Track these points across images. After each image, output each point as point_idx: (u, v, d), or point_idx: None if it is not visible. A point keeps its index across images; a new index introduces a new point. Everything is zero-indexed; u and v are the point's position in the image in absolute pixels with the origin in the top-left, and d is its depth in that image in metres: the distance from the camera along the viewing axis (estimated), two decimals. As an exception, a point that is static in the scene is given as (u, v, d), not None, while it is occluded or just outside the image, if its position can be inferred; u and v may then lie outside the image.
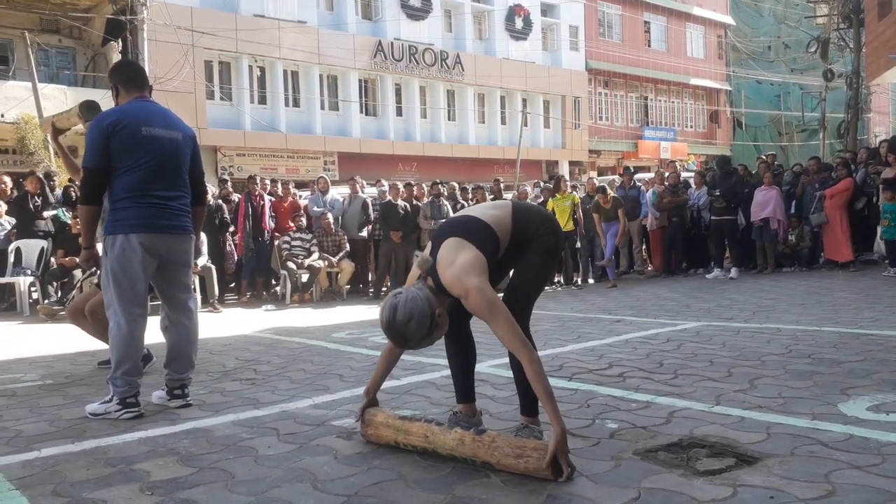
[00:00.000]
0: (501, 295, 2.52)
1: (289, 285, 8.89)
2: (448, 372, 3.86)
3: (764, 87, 33.90)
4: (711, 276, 9.79)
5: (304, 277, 9.05)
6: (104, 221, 3.45)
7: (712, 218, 10.00)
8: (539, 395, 2.32)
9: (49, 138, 4.69)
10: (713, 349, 4.46)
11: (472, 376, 2.78)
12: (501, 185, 10.65)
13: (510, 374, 3.80)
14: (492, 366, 4.11)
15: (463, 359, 2.77)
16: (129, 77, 3.54)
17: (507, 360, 4.18)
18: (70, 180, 9.64)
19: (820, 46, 21.26)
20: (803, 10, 33.31)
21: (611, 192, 9.56)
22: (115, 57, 16.33)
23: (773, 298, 7.14)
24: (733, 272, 9.64)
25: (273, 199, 9.52)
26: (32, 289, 8.32)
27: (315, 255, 9.03)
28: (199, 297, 8.41)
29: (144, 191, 3.32)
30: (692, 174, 11.89)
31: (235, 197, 9.49)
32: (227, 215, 9.04)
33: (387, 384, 3.75)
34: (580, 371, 3.90)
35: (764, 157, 11.77)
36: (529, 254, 2.59)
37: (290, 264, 8.86)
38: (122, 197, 3.31)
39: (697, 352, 4.39)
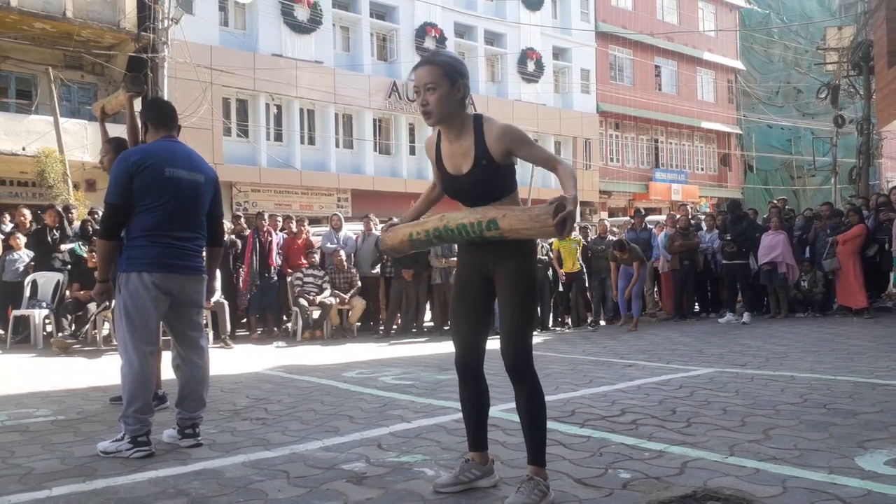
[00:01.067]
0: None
1: (300, 322, 8.91)
2: (459, 416, 3.85)
3: (775, 131, 34.06)
4: (724, 321, 9.74)
5: (316, 314, 9.07)
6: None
7: (724, 262, 9.99)
8: (565, 181, 2.44)
9: (98, 120, 4.88)
10: (726, 397, 4.42)
11: (486, 424, 2.75)
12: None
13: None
14: (504, 410, 4.08)
15: (477, 406, 2.72)
16: (159, 116, 3.63)
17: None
18: (90, 213, 9.80)
19: (830, 93, 21.40)
20: (813, 56, 33.65)
21: (628, 244, 9.40)
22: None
23: (787, 345, 7.08)
24: (745, 317, 9.58)
25: (286, 235, 9.59)
26: (47, 321, 8.38)
27: (327, 293, 9.06)
28: (210, 332, 8.47)
29: (160, 230, 3.37)
30: (704, 216, 11.92)
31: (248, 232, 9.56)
32: (240, 251, 9.11)
33: (397, 427, 3.75)
34: (592, 417, 3.88)
35: (775, 202, 11.80)
36: (510, 267, 2.57)
37: (302, 301, 8.89)
38: (138, 235, 3.37)
39: (710, 399, 4.35)
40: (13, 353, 7.63)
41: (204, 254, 3.68)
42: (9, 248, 8.71)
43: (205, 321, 8.62)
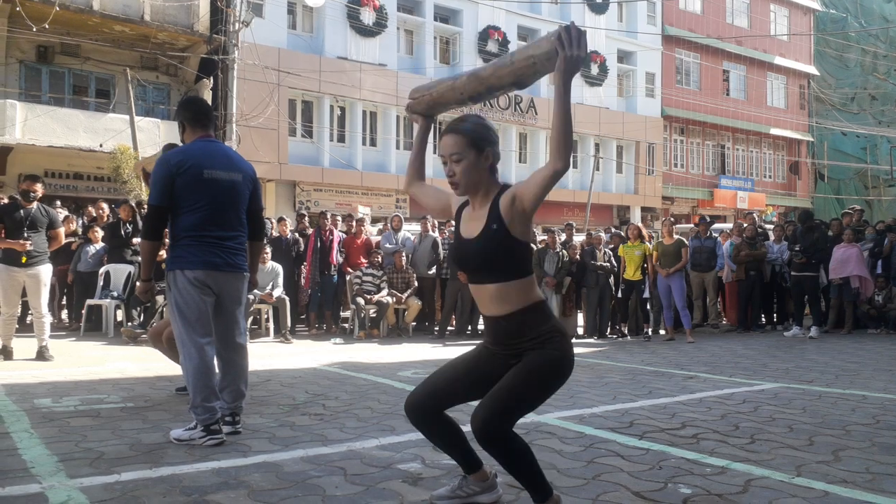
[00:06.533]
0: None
1: (357, 320, 9.03)
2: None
3: (849, 138, 32.67)
4: (790, 334, 9.40)
5: (373, 313, 9.18)
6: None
7: (792, 273, 9.65)
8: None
9: (140, 179, 5.04)
10: (793, 414, 4.26)
11: (468, 447, 2.47)
12: (573, 230, 10.57)
13: (580, 428, 3.75)
14: (559, 418, 4.05)
15: (449, 438, 2.46)
16: (196, 115, 3.69)
17: (578, 412, 4.10)
18: (137, 205, 10.20)
19: (911, 99, 20.42)
20: (892, 61, 32.13)
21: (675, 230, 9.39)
22: (207, 94, 17.24)
23: (857, 362, 6.79)
24: (813, 331, 9.23)
25: (345, 235, 9.74)
26: (118, 311, 8.74)
27: (384, 292, 9.16)
28: (272, 327, 8.69)
29: (202, 230, 3.47)
30: (771, 226, 11.54)
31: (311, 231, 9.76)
32: (303, 249, 9.31)
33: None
34: (652, 430, 3.80)
35: (850, 210, 11.31)
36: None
37: (360, 299, 9.01)
38: (183, 236, 3.48)
39: (776, 416, 4.20)
40: (85, 339, 7.99)
41: (246, 249, 3.76)
42: (87, 240, 9.11)
43: (254, 317, 8.84)
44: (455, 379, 2.43)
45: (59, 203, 10.35)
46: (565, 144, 2.15)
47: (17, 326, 6.50)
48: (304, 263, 9.33)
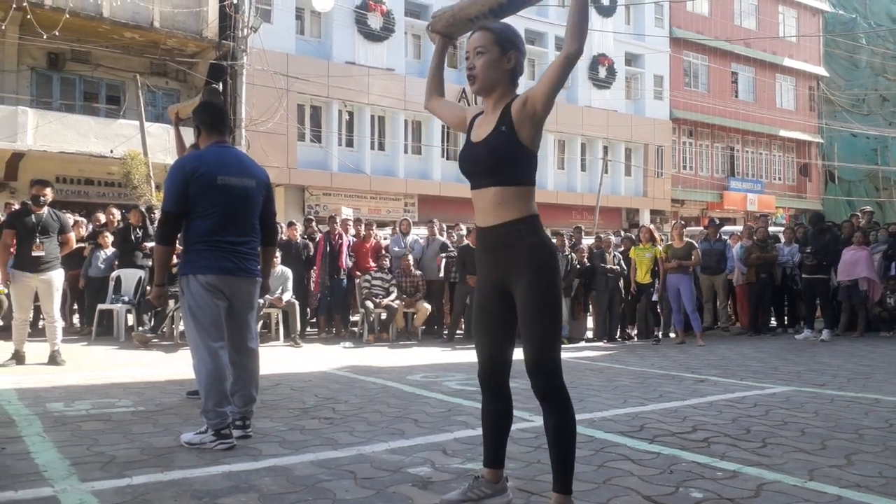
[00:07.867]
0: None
1: (366, 324, 9.04)
2: (525, 426, 3.83)
3: (859, 140, 32.46)
4: (801, 337, 9.34)
5: (383, 316, 9.19)
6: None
7: (803, 276, 9.58)
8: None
9: (172, 123, 5.07)
10: (805, 418, 4.23)
11: (505, 441, 2.58)
12: (582, 234, 10.56)
13: (590, 431, 3.73)
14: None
15: (498, 420, 2.55)
16: (212, 121, 3.73)
17: (588, 415, 4.09)
18: (147, 210, 10.26)
19: (922, 100, 20.27)
20: (903, 62, 31.95)
21: (685, 233, 9.42)
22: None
23: (870, 365, 6.73)
24: (824, 334, 9.16)
25: (354, 239, 9.76)
26: (129, 315, 8.78)
27: (393, 296, 9.17)
28: (281, 331, 8.71)
29: (216, 235, 3.49)
30: (781, 229, 11.48)
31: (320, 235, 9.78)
32: (312, 253, 9.34)
33: (461, 433, 3.74)
34: (662, 433, 3.78)
35: (858, 213, 11.23)
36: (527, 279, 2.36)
37: (369, 303, 9.02)
38: (196, 241, 3.50)
39: (787, 419, 4.18)
40: (97, 344, 8.03)
41: (259, 254, 3.78)
42: (98, 245, 9.16)
43: (263, 321, 8.87)
44: (493, 343, 2.50)
45: (116, 212, 10.06)
46: (580, 28, 2.19)
47: (29, 331, 6.54)
48: (314, 267, 9.35)
